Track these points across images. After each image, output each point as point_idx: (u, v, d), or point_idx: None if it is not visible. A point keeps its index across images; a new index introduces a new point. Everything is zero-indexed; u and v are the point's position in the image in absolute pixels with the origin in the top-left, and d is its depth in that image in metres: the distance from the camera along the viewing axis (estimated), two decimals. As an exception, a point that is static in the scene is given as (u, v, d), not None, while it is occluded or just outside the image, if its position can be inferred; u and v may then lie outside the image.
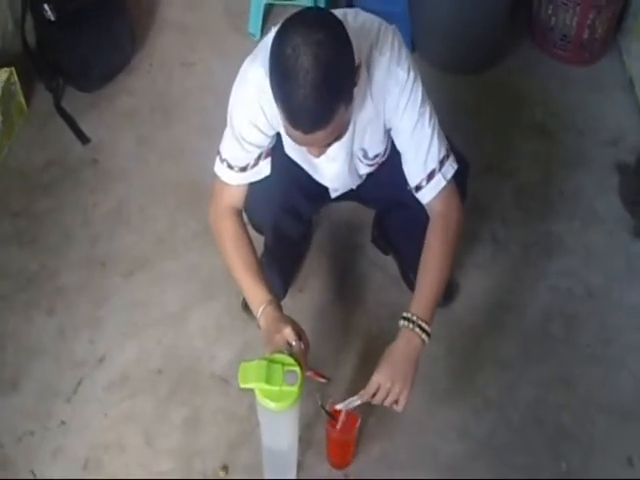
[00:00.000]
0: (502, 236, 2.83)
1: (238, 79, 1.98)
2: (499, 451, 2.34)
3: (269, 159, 2.08)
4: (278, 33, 1.67)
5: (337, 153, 2.08)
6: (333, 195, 2.36)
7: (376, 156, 2.18)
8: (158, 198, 2.92)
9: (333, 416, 2.10)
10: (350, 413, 2.11)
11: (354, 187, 2.32)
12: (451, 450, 2.34)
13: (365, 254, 2.77)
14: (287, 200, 2.24)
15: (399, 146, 2.05)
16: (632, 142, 3.15)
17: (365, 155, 2.15)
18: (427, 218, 2.09)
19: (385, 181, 2.23)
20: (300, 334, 1.96)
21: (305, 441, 2.28)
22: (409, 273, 2.61)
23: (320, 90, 1.63)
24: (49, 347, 2.52)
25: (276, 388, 1.84)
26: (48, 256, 2.73)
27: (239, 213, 2.13)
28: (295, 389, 1.85)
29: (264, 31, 3.52)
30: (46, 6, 3.03)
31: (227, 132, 2.05)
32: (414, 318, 1.97)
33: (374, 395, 1.97)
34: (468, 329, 2.59)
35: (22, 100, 3.13)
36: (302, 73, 1.60)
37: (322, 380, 2.06)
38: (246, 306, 2.55)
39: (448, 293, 2.57)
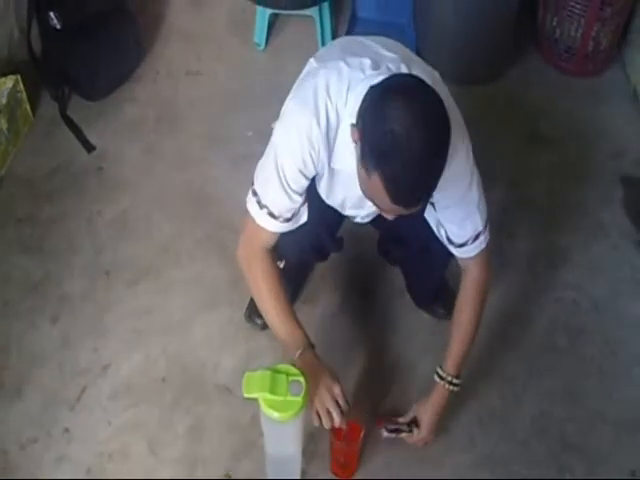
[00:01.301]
0: (507, 248, 2.83)
1: (286, 125, 1.91)
2: (503, 463, 2.34)
3: (306, 205, 2.03)
4: (380, 104, 1.63)
5: None
6: (361, 222, 2.34)
7: None
8: (163, 207, 2.92)
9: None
10: (354, 424, 2.11)
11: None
12: (455, 461, 2.34)
13: (370, 265, 2.76)
14: (316, 239, 2.24)
15: (445, 211, 2.04)
16: (636, 154, 3.16)
17: None
18: (440, 257, 2.20)
19: (409, 223, 2.20)
20: (338, 382, 2.02)
21: (309, 451, 2.28)
22: (417, 295, 2.65)
23: (431, 172, 1.64)
24: (53, 354, 2.51)
25: (280, 398, 1.85)
26: (53, 263, 2.73)
27: (272, 253, 2.09)
28: (299, 399, 1.85)
29: (269, 41, 3.55)
30: (52, 14, 3.03)
31: (271, 180, 1.94)
32: (449, 378, 2.19)
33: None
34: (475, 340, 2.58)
35: (28, 108, 3.13)
36: (417, 156, 1.59)
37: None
38: (250, 317, 2.57)
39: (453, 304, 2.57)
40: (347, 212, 2.21)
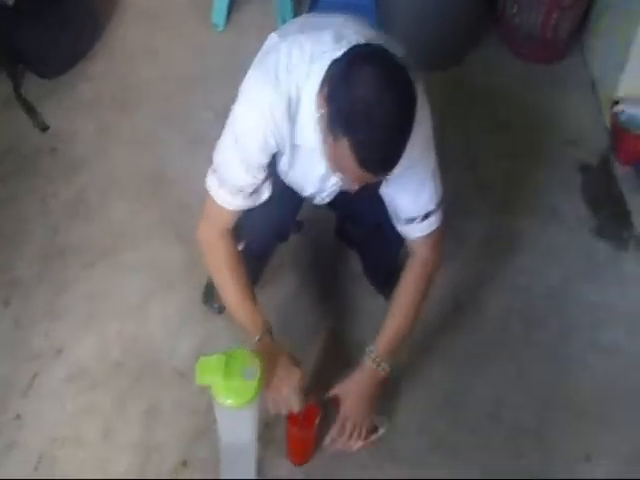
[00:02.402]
0: (462, 232, 2.83)
1: (246, 101, 1.87)
2: (458, 449, 2.35)
3: (269, 181, 2.00)
4: (349, 72, 1.62)
5: (336, 180, 2.04)
6: (320, 202, 2.31)
7: None
8: (118, 188, 2.88)
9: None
10: (310, 408, 2.10)
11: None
12: (411, 449, 2.34)
13: (329, 247, 2.75)
14: (277, 220, 2.22)
15: (398, 180, 1.97)
16: (593, 142, 3.17)
17: None
18: (395, 244, 2.20)
19: (364, 200, 2.15)
20: (298, 367, 2.02)
21: (265, 438, 2.26)
22: (371, 277, 2.64)
23: (401, 137, 1.63)
24: (4, 339, 2.47)
25: (234, 383, 1.81)
26: (5, 247, 2.68)
27: (232, 233, 2.06)
28: (254, 384, 1.81)
29: (228, 22, 3.50)
30: (4, -10, 2.98)
31: (231, 158, 1.93)
32: (378, 359, 2.11)
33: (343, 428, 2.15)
34: (427, 325, 2.55)
35: (-20, 86, 3.07)
36: (387, 122, 1.59)
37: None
38: (206, 299, 2.55)
39: None
40: (307, 192, 2.17)
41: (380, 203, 2.09)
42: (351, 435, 2.14)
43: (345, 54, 1.68)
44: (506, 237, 2.86)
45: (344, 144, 1.62)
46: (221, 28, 3.50)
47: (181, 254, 2.67)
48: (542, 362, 2.55)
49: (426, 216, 2.04)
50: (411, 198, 2.03)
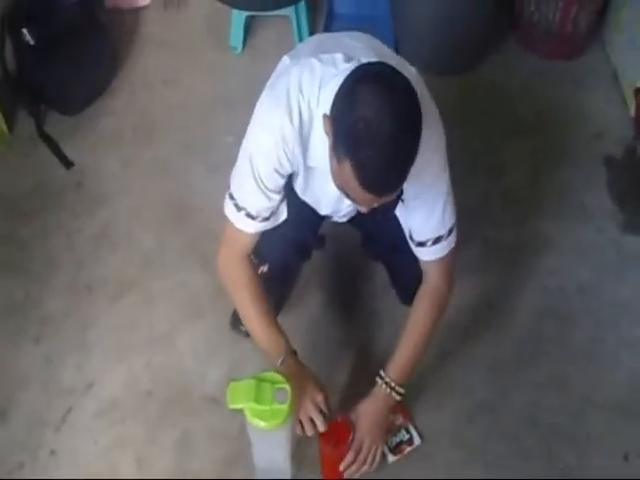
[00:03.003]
0: (491, 236, 2.81)
1: (259, 125, 1.89)
2: (494, 457, 2.33)
3: (285, 202, 2.02)
4: (350, 92, 1.62)
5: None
6: (338, 221, 2.33)
7: None
8: (143, 219, 2.90)
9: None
10: (342, 426, 2.11)
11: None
12: (446, 457, 2.33)
13: (353, 262, 2.75)
14: (298, 238, 2.23)
15: (412, 202, 2.01)
16: (618, 135, 3.13)
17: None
18: (416, 263, 2.15)
19: (386, 224, 2.18)
20: (322, 388, 2.05)
21: (298, 457, 2.25)
22: (397, 288, 2.61)
23: (403, 158, 1.62)
24: (36, 376, 2.49)
25: (266, 407, 1.83)
26: (33, 283, 2.71)
27: (250, 257, 2.09)
28: (285, 407, 1.83)
29: (245, 45, 3.52)
30: (25, 30, 3.00)
31: (247, 181, 1.93)
32: (392, 384, 2.12)
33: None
34: (459, 332, 2.57)
35: (4, 126, 3.11)
36: (387, 142, 1.56)
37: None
38: (234, 324, 2.55)
39: None
40: (323, 212, 2.19)
41: (396, 225, 2.10)
42: (365, 460, 2.15)
43: (350, 74, 1.66)
44: (534, 238, 2.83)
45: (346, 165, 1.61)
46: (239, 51, 3.51)
47: (208, 282, 2.67)
48: (577, 362, 2.53)
49: (436, 241, 2.04)
50: (422, 221, 2.03)
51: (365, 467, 2.15)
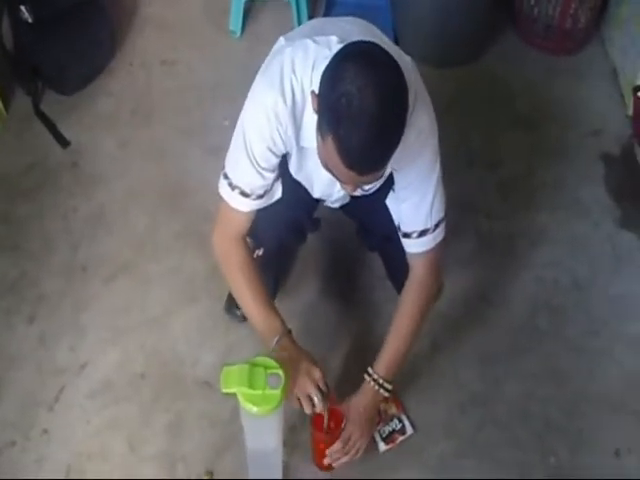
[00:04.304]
0: (486, 228, 2.82)
1: (253, 104, 1.89)
2: (487, 448, 2.33)
3: (280, 181, 2.03)
4: (336, 68, 1.61)
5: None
6: (331, 206, 2.33)
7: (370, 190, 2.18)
8: (139, 200, 2.89)
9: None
10: (335, 413, 2.11)
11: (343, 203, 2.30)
12: (438, 449, 2.33)
13: (350, 251, 2.74)
14: (293, 219, 2.22)
15: (401, 192, 2.03)
16: (615, 131, 3.13)
17: (362, 189, 2.12)
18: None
19: (373, 209, 2.20)
20: (316, 364, 2.03)
21: (291, 444, 2.26)
22: (393, 278, 2.59)
23: (385, 136, 1.60)
24: (30, 355, 2.49)
25: (259, 392, 1.82)
26: (29, 262, 2.70)
27: (245, 238, 2.09)
28: (278, 392, 1.83)
29: (244, 29, 3.50)
30: (23, 8, 2.98)
31: (241, 160, 1.94)
32: (380, 381, 2.12)
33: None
34: (452, 323, 2.58)
35: (0, 104, 3.10)
36: (368, 117, 1.55)
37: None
38: (229, 308, 2.55)
39: None
40: (316, 194, 2.19)
41: (386, 216, 2.12)
42: (351, 451, 2.15)
43: (338, 51, 1.66)
44: (530, 230, 2.83)
45: (329, 141, 1.61)
46: (238, 35, 3.50)
47: (202, 265, 2.68)
48: (570, 356, 2.53)
49: (422, 233, 2.05)
50: (410, 212, 2.04)
51: (349, 457, 2.15)
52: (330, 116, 1.60)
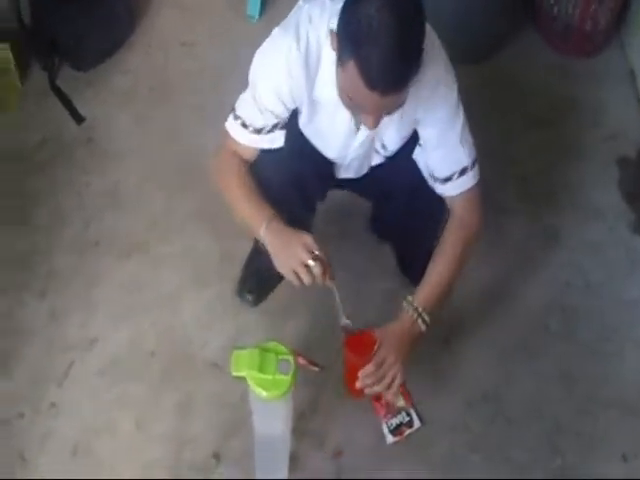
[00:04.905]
0: (502, 226, 2.81)
1: (267, 46, 1.95)
2: (494, 445, 2.34)
3: (284, 131, 2.03)
4: (353, 2, 1.66)
5: (360, 141, 2.08)
6: (341, 176, 2.32)
7: (392, 154, 2.19)
8: (154, 179, 2.87)
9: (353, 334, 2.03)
10: (368, 336, 2.02)
11: (360, 174, 2.29)
12: (447, 444, 2.34)
13: (360, 242, 2.72)
14: (297, 176, 2.15)
15: (430, 138, 2.04)
16: (632, 135, 3.12)
17: (384, 147, 2.14)
18: (433, 210, 2.14)
19: (397, 169, 2.20)
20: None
21: (299, 430, 2.25)
22: (408, 268, 2.61)
23: (405, 51, 1.64)
24: (40, 330, 2.48)
25: (269, 377, 1.82)
26: (41, 237, 2.69)
27: (244, 161, 2.07)
28: (288, 378, 1.82)
29: (263, 13, 3.48)
30: (42, -18, 2.98)
31: (247, 95, 2.02)
32: (419, 309, 2.01)
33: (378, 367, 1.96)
34: (466, 320, 2.58)
35: (17, 78, 3.07)
36: (387, 34, 1.60)
37: (315, 369, 2.04)
38: (240, 292, 2.56)
39: None
40: (330, 154, 2.18)
41: (410, 170, 2.13)
42: (384, 377, 1.97)
43: None
44: (544, 233, 2.83)
45: (351, 67, 1.66)
46: (255, 20, 3.48)
47: (216, 246, 2.67)
48: (582, 358, 2.53)
49: (462, 172, 2.05)
50: (444, 156, 2.04)
51: (381, 386, 1.97)
52: (350, 41, 1.66)
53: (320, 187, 2.33)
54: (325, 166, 2.24)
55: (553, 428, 2.38)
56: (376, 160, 2.23)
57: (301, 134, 2.11)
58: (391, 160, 2.20)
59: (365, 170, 2.27)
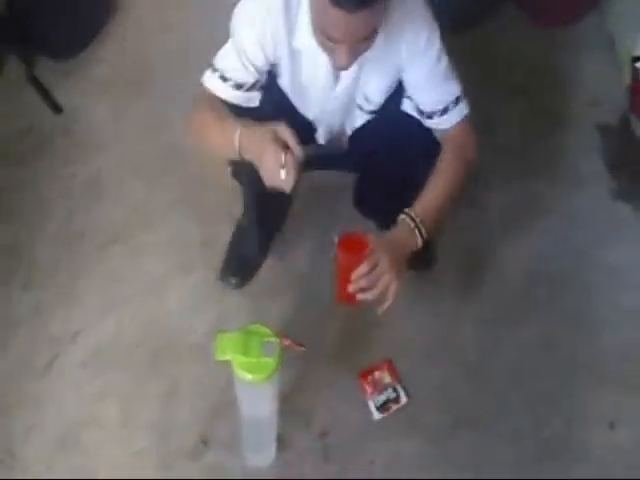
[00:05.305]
0: (484, 197, 2.81)
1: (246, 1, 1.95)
2: (481, 417, 2.35)
3: (260, 93, 2.02)
4: None
5: (342, 91, 2.07)
6: (321, 141, 2.31)
7: (374, 110, 2.18)
8: (134, 168, 2.86)
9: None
10: (361, 238, 1.93)
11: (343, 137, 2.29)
12: (433, 418, 2.34)
13: (344, 221, 2.69)
14: None
15: (418, 79, 2.04)
16: (613, 102, 3.12)
17: (367, 99, 2.14)
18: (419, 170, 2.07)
19: (379, 129, 2.19)
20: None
21: (285, 411, 2.23)
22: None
23: None
24: (24, 322, 2.48)
25: (253, 359, 1.82)
26: (24, 228, 2.68)
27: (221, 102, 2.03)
28: (273, 360, 1.82)
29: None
30: (15, -29, 2.96)
31: (228, 46, 2.00)
32: (417, 219, 1.96)
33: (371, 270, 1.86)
34: (448, 291, 2.59)
35: (-7, 69, 3.07)
36: None
37: (300, 349, 2.04)
38: (223, 275, 2.56)
39: (427, 262, 2.59)
40: (311, 111, 2.17)
41: (396, 128, 2.12)
42: (378, 280, 1.86)
43: None
44: (527, 202, 2.83)
45: None
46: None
47: (198, 233, 2.68)
48: (566, 326, 2.54)
49: (456, 101, 2.06)
50: (437, 89, 2.05)
51: (373, 294, 1.87)
52: None
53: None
54: (307, 132, 2.22)
55: (538, 398, 2.38)
56: (359, 119, 2.21)
57: (281, 101, 2.10)
58: (373, 121, 2.19)
59: (348, 132, 2.25)
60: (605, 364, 2.46)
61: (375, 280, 1.85)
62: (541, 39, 3.36)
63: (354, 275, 1.86)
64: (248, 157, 1.87)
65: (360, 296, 1.89)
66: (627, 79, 3.10)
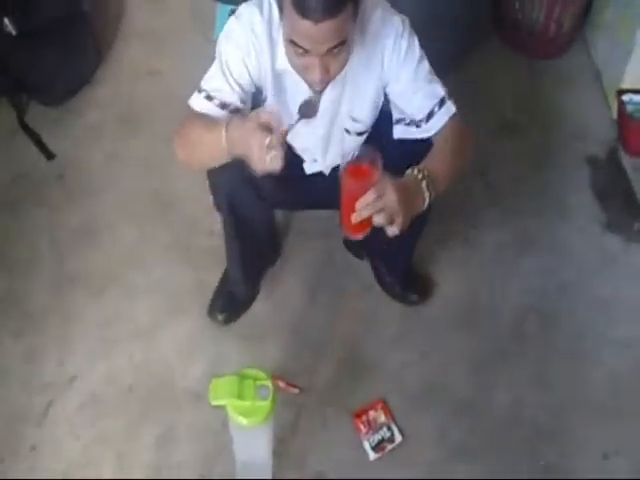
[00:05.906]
0: (475, 235, 2.83)
1: (232, 19, 2.00)
2: (477, 454, 2.35)
3: (247, 112, 2.02)
4: None
5: (322, 114, 2.07)
6: (308, 171, 2.33)
7: (363, 132, 2.21)
8: (126, 212, 2.88)
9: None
10: (370, 168, 1.83)
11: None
12: (428, 456, 2.34)
13: (335, 261, 2.75)
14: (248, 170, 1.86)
15: (402, 89, 2.06)
16: (600, 135, 3.15)
17: (354, 119, 2.16)
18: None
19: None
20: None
21: (279, 453, 2.25)
22: (386, 275, 2.62)
23: None
24: (17, 370, 2.47)
25: (248, 403, 1.83)
26: (15, 276, 2.69)
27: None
28: (267, 403, 1.84)
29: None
30: (6, 20, 2.96)
31: (213, 69, 2.04)
32: (425, 172, 1.89)
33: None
34: (442, 331, 2.60)
35: (-16, 116, 3.09)
36: None
37: (294, 391, 2.05)
38: (211, 312, 2.58)
39: (425, 289, 2.65)
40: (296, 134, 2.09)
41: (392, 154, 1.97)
42: (383, 209, 1.77)
43: None
44: (517, 237, 2.85)
45: (288, 8, 1.75)
46: (224, 44, 3.49)
47: (190, 276, 2.69)
48: (559, 361, 2.55)
49: (441, 103, 2.05)
50: (421, 93, 2.05)
51: (380, 217, 1.78)
52: None
53: (275, 187, 2.17)
54: (294, 165, 2.25)
55: (533, 433, 2.39)
56: (349, 144, 2.22)
57: None
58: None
59: (337, 160, 2.25)
60: (598, 396, 2.46)
61: (380, 209, 1.77)
62: (527, 72, 3.41)
63: (359, 203, 1.78)
64: (236, 152, 1.83)
65: (365, 227, 1.85)
66: (614, 112, 3.14)
